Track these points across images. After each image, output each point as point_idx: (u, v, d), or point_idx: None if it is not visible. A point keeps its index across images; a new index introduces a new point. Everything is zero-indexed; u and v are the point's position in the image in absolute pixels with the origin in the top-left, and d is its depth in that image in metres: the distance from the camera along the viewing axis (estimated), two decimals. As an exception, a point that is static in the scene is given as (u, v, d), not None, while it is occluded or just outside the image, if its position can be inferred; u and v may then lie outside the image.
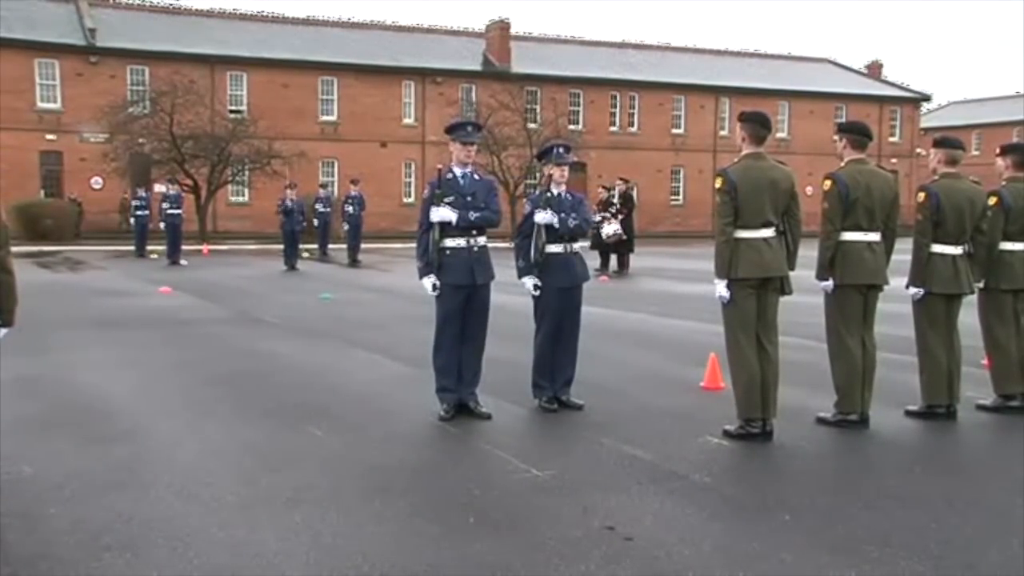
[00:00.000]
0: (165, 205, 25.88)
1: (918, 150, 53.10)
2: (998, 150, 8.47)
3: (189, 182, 35.51)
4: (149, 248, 27.72)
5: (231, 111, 41.31)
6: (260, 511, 5.35)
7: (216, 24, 46.23)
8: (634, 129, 50.81)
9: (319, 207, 27.25)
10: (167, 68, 39.09)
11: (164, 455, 6.48)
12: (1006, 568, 4.64)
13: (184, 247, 25.98)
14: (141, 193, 29.67)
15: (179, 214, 25.84)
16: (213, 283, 19.66)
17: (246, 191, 41.38)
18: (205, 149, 36.67)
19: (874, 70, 60.50)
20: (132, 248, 28.59)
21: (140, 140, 36.72)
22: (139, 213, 28.71)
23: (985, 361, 8.18)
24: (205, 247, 30.89)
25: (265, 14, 49.28)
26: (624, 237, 22.80)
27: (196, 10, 47.79)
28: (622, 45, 54.92)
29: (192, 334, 12.22)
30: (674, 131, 51.79)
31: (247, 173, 38.76)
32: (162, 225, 25.70)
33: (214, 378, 9.24)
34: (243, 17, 48.29)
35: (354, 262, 25.36)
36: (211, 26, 45.58)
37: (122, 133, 36.42)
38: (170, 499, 5.52)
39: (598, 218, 22.41)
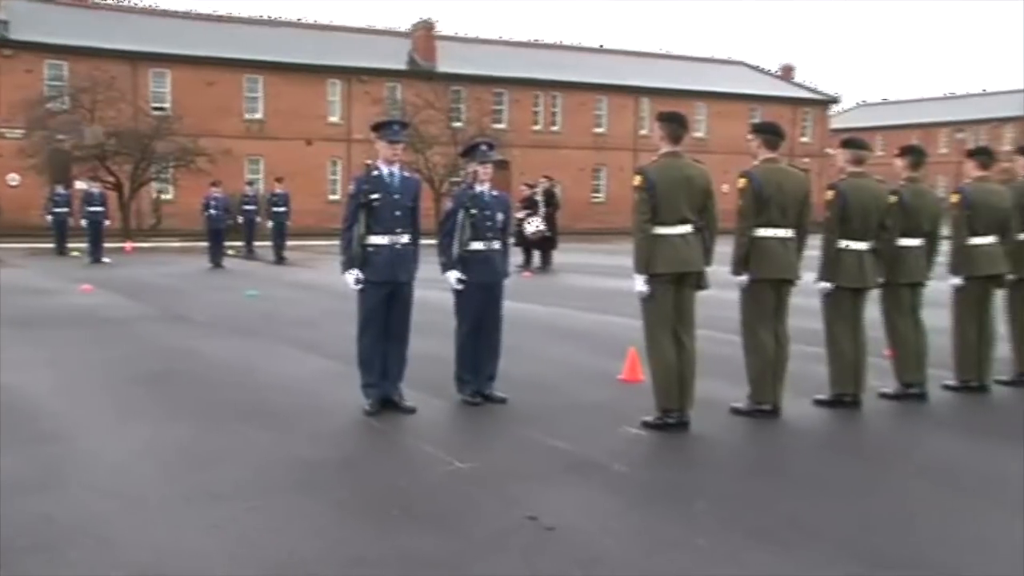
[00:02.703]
0: (87, 204, 25.29)
1: (827, 150, 54.00)
2: (897, 151, 8.72)
3: (112, 179, 34.78)
4: (70, 246, 27.09)
5: (154, 108, 40.53)
6: (185, 509, 5.29)
7: (138, 20, 45.29)
8: (557, 128, 50.99)
9: (245, 205, 26.91)
10: (87, 64, 38.18)
11: (87, 455, 6.36)
12: (909, 548, 4.77)
13: (106, 244, 25.43)
14: (60, 190, 28.95)
15: (102, 212, 25.29)
16: (137, 281, 19.29)
17: (171, 188, 40.66)
18: (127, 146, 35.93)
19: (786, 73, 61.49)
20: (52, 246, 27.93)
21: (59, 137, 35.82)
22: (57, 211, 28.02)
23: (887, 352, 8.36)
24: (128, 244, 30.30)
25: (188, 11, 48.46)
26: (547, 234, 22.89)
27: (117, 5, 46.83)
28: (545, 46, 55.05)
29: (116, 332, 11.99)
30: (595, 130, 52.09)
31: (171, 170, 38.07)
32: (83, 223, 25.13)
33: (139, 377, 9.08)
34: (165, 13, 47.40)
35: (280, 259, 25.07)
36: (132, 22, 44.66)
37: (40, 129, 35.47)
38: (93, 499, 5.42)
39: (522, 215, 22.49)
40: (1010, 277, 8.71)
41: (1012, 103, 64.03)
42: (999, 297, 8.84)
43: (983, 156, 8.88)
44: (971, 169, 8.84)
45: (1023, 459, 6.46)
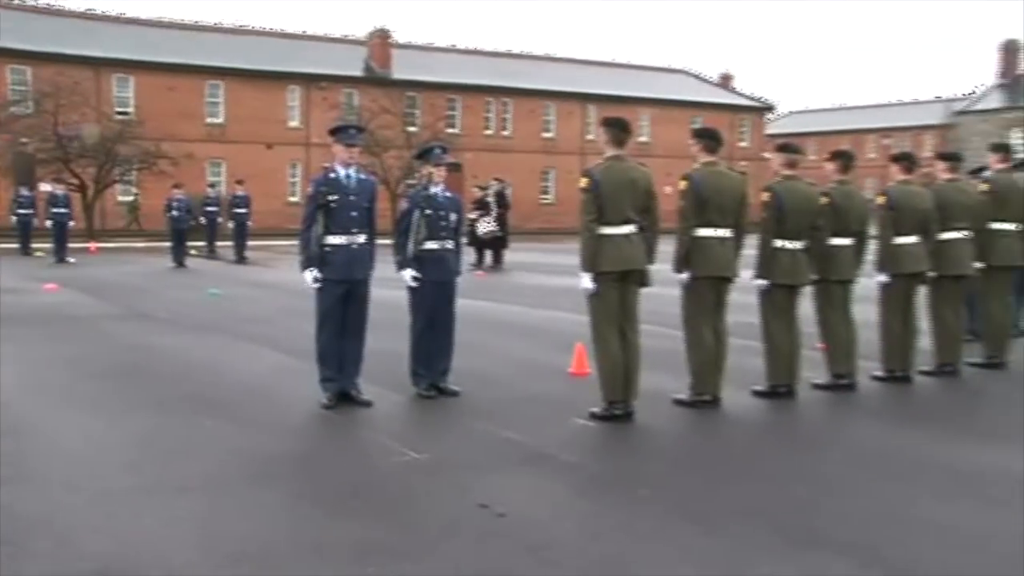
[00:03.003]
0: (52, 206, 24.88)
1: (763, 154, 54.48)
2: (827, 156, 8.82)
3: (76, 181, 34.22)
4: (35, 246, 26.61)
5: (117, 112, 39.96)
6: (147, 501, 5.21)
7: (100, 26, 44.58)
8: (507, 133, 50.99)
9: (207, 206, 26.66)
10: (50, 69, 37.51)
11: (50, 449, 6.26)
12: (841, 529, 4.83)
13: (71, 245, 25.02)
14: (24, 192, 28.45)
15: (66, 213, 24.88)
16: (101, 280, 19.00)
17: (134, 190, 40.10)
18: (91, 149, 35.39)
19: (725, 81, 61.97)
20: (17, 246, 27.41)
21: (23, 140, 35.21)
22: (21, 212, 27.53)
23: (820, 345, 8.44)
24: (92, 245, 29.83)
25: (151, 18, 47.81)
26: (499, 234, 22.90)
27: (80, 12, 46.05)
28: (497, 54, 55.00)
29: (79, 330, 11.80)
30: (544, 135, 52.15)
31: (135, 173, 37.57)
32: (48, 224, 24.72)
33: (102, 372, 8.95)
34: (128, 21, 46.73)
35: (241, 259, 24.82)
36: (95, 28, 43.94)
37: (4, 132, 34.85)
38: (56, 492, 5.33)
39: (474, 216, 22.46)
40: (931, 274, 8.85)
41: (933, 112, 65.07)
42: (922, 293, 8.96)
43: (906, 161, 9.01)
44: (896, 173, 8.96)
45: (943, 444, 6.59)
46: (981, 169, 10.86)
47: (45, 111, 35.20)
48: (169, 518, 4.94)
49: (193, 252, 24.78)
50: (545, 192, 52.20)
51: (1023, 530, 4.85)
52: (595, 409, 7.07)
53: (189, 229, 24.21)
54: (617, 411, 7.01)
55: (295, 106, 45.58)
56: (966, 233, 9.04)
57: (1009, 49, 60.42)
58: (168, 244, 23.95)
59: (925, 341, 8.96)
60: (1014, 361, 9.53)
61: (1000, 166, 10.05)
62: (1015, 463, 6.09)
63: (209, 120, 43.65)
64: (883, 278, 8.66)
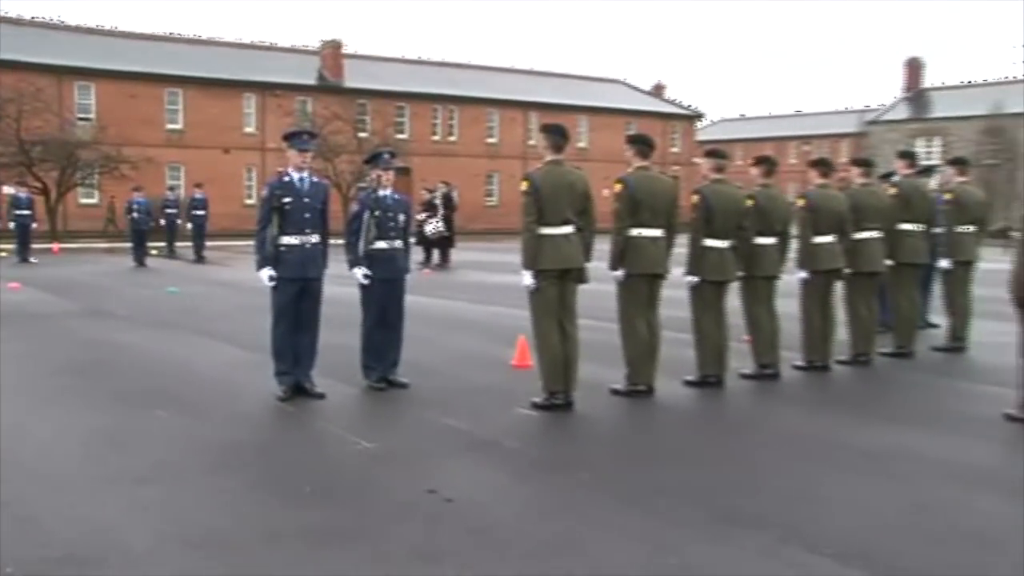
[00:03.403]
0: (15, 208, 24.32)
1: (693, 159, 54.96)
2: (752, 161, 8.92)
3: (39, 185, 33.50)
4: (-2, 247, 26.03)
5: (79, 118, 39.16)
6: (109, 490, 5.14)
7: (63, 36, 43.59)
8: (454, 139, 50.82)
9: (167, 208, 26.33)
10: (13, 76, 36.62)
11: (13, 440, 6.11)
12: (762, 506, 4.90)
13: (34, 246, 24.47)
14: (-15, 195, 27.81)
15: (29, 215, 24.34)
16: (63, 279, 18.60)
17: (96, 193, 39.35)
18: (54, 154, 34.72)
19: (658, 91, 62.33)
20: (-20, 247, 26.73)
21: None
22: (-18, 214, 26.88)
23: (746, 337, 8.53)
24: (55, 245, 29.23)
25: (112, 28, 46.87)
26: (446, 234, 22.83)
27: (43, 22, 45.02)
28: (443, 64, 54.76)
29: (42, 327, 11.55)
30: (488, 141, 52.08)
31: (96, 177, 36.91)
32: (11, 225, 24.17)
33: (64, 367, 8.78)
34: (90, 31, 45.76)
35: (199, 259, 24.47)
36: (58, 38, 42.95)
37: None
38: (19, 481, 5.22)
39: (422, 217, 22.38)
40: (847, 271, 9.00)
41: (848, 121, 65.97)
42: (838, 288, 9.11)
43: (824, 166, 9.15)
44: (814, 177, 9.10)
45: (856, 427, 6.70)
46: (890, 174, 11.06)
47: (7, 116, 34.38)
48: (130, 506, 4.87)
49: (153, 252, 24.42)
50: (489, 195, 52.12)
51: (922, 502, 4.99)
52: (536, 399, 7.09)
53: (149, 230, 23.90)
54: (557, 400, 7.03)
55: (251, 113, 45.01)
56: (877, 233, 9.22)
57: (913, 66, 61.58)
58: (129, 245, 23.61)
59: (842, 333, 9.12)
60: (920, 351, 9.75)
61: (906, 172, 10.25)
62: (918, 443, 6.24)
63: (169, 126, 42.98)
64: (803, 274, 8.79)
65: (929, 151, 50.53)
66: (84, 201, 39.84)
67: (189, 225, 25.40)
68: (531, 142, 49.99)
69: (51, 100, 36.82)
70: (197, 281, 18.76)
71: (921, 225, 9.80)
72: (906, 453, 6.01)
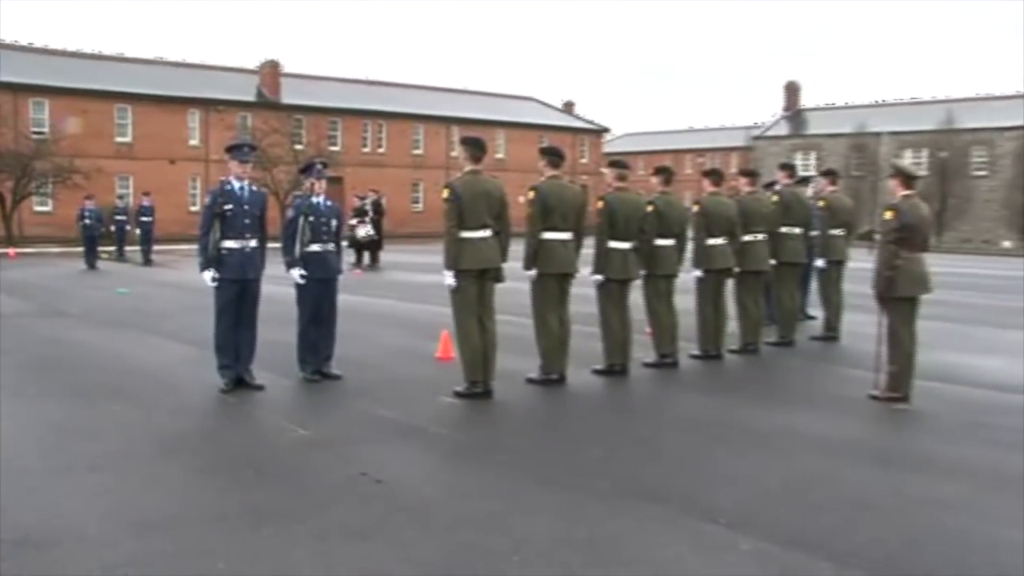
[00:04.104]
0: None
1: (600, 169, 55.41)
2: (652, 170, 9.01)
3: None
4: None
5: (34, 132, 37.87)
6: (62, 478, 4.98)
7: (18, 56, 42.01)
8: (382, 150, 50.37)
9: (116, 215, 25.69)
10: (-30, 94, 35.31)
11: (-35, 434, 5.87)
12: (664, 482, 4.96)
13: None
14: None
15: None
16: (18, 281, 17.87)
17: (50, 201, 38.09)
18: (9, 165, 33.68)
19: (568, 107, 62.70)
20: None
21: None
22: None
23: (648, 330, 8.62)
24: (11, 251, 28.17)
25: (65, 49, 45.43)
26: (375, 237, 22.66)
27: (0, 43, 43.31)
28: (373, 83, 54.23)
29: (-8, 327, 11.12)
30: (414, 152, 51.74)
31: (50, 186, 35.80)
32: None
33: (18, 364, 8.43)
34: (44, 51, 44.29)
35: (147, 262, 23.86)
36: (13, 57, 41.34)
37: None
38: (-28, 473, 5.02)
39: (354, 222, 22.16)
40: (736, 270, 9.16)
41: (737, 136, 67.27)
42: (729, 286, 9.26)
43: (715, 176, 9.30)
44: (707, 186, 9.24)
45: (746, 409, 6.83)
46: (773, 183, 11.29)
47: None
48: (82, 493, 4.73)
49: (104, 256, 23.83)
50: (415, 201, 51.78)
51: (802, 473, 5.10)
52: (459, 388, 7.06)
53: (100, 236, 23.43)
54: (478, 389, 7.02)
55: (195, 127, 44.09)
56: (762, 236, 9.39)
57: (791, 88, 63.21)
58: (81, 249, 23.06)
59: (732, 325, 9.28)
60: (800, 340, 9.98)
61: (787, 181, 10.50)
62: (799, 422, 6.39)
63: (118, 139, 41.83)
64: (698, 273, 8.91)
65: (806, 163, 51.87)
66: (39, 209, 38.58)
67: (138, 231, 24.96)
68: (453, 153, 49.84)
69: (7, 115, 35.80)
70: (145, 283, 18.24)
71: (800, 229, 10.04)
72: (789, 431, 6.15)
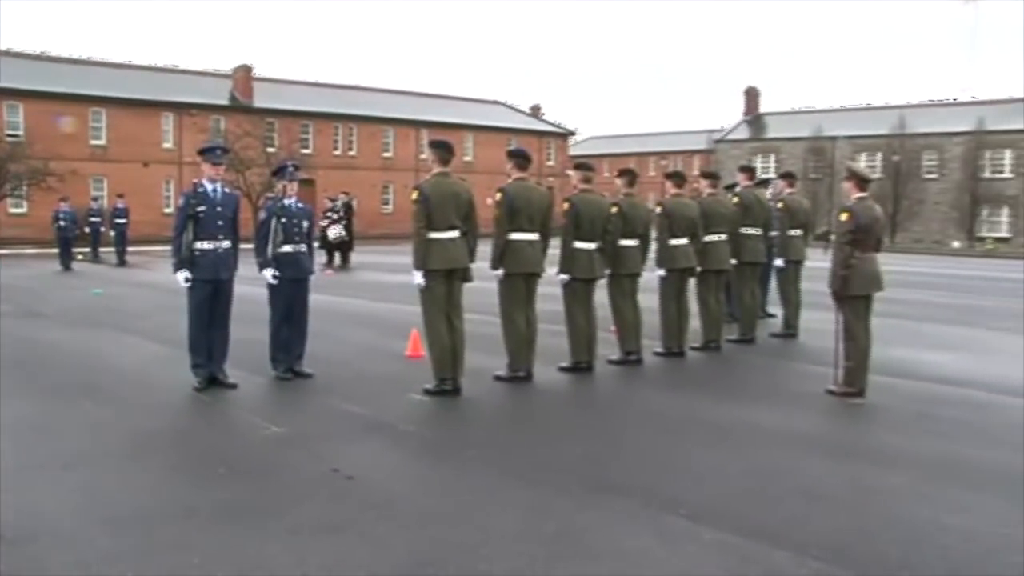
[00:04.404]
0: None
1: (567, 171, 55.43)
2: (617, 173, 9.05)
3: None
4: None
5: (8, 135, 37.19)
6: (37, 476, 4.92)
7: (-7, 61, 41.42)
8: (353, 153, 50.12)
9: (91, 217, 25.36)
10: (-56, 98, 34.67)
11: (-64, 434, 5.77)
12: (629, 476, 4.99)
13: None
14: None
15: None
16: (-10, 282, 17.60)
17: (24, 203, 37.47)
18: None
19: (535, 111, 62.74)
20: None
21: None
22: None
23: (612, 328, 8.64)
24: (-13, 252, 27.73)
25: (39, 52, 44.72)
26: (346, 238, 22.55)
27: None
28: (344, 87, 53.96)
29: (-37, 327, 10.91)
30: (384, 155, 51.54)
31: (25, 188, 35.22)
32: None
33: (-14, 365, 8.31)
34: (19, 55, 43.52)
35: (122, 263, 23.56)
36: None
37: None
38: (-57, 472, 4.93)
39: (325, 223, 22.03)
40: (698, 269, 9.22)
41: (699, 139, 67.63)
42: (691, 284, 9.32)
43: (677, 178, 9.36)
44: (670, 188, 9.30)
45: (709, 404, 6.89)
46: (733, 185, 11.38)
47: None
48: (57, 490, 4.68)
49: (79, 257, 23.54)
50: (386, 203, 51.55)
51: (762, 466, 5.16)
52: (428, 385, 7.05)
53: (75, 237, 23.11)
54: (446, 387, 7.01)
55: (169, 130, 43.62)
56: (723, 236, 9.47)
57: (751, 94, 63.73)
58: (56, 251, 22.72)
59: (695, 323, 9.34)
60: (760, 337, 10.08)
61: (747, 183, 10.59)
62: (759, 416, 6.45)
63: (92, 142, 41.26)
64: (661, 272, 8.96)
65: (766, 166, 52.32)
66: (13, 211, 37.96)
67: (112, 232, 24.66)
68: (422, 156, 49.71)
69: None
70: (120, 283, 18.00)
71: (759, 229, 10.13)
72: (749, 425, 6.21)
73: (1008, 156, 48.78)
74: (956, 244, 47.05)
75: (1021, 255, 39.39)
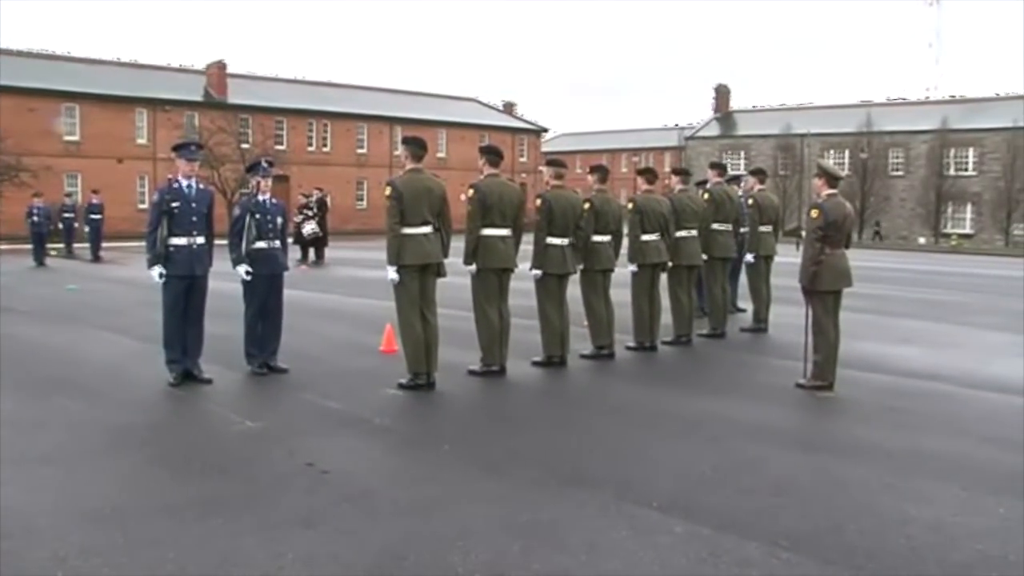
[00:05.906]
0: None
1: (539, 168, 55.43)
2: (589, 169, 9.07)
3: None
4: None
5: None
6: (12, 471, 4.85)
7: (-36, 55, 40.74)
8: (327, 149, 49.83)
9: (64, 213, 25.04)
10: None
11: (-95, 431, 5.67)
12: (601, 468, 5.02)
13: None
14: None
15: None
16: (-41, 278, 17.32)
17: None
18: None
19: (509, 109, 62.69)
20: None
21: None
22: None
23: (585, 323, 8.64)
24: (-39, 249, 27.27)
25: (12, 48, 44.00)
26: (320, 234, 22.41)
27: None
28: (317, 83, 53.59)
29: (-69, 323, 10.74)
30: (358, 151, 51.27)
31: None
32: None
33: (-46, 361, 8.18)
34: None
35: (96, 258, 23.28)
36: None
37: None
38: (-88, 469, 4.86)
39: (299, 219, 21.89)
40: (670, 265, 9.27)
41: (670, 136, 67.97)
42: (662, 279, 9.36)
43: (649, 174, 9.39)
44: (641, 184, 9.33)
45: (680, 397, 6.94)
46: (704, 182, 11.44)
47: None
48: (32, 486, 4.63)
49: (53, 253, 23.25)
50: (360, 199, 51.32)
51: (732, 459, 5.20)
52: (402, 380, 7.04)
53: (48, 233, 22.82)
54: (420, 381, 7.01)
55: (143, 126, 43.13)
56: (694, 232, 9.52)
57: (721, 91, 64.11)
58: (29, 246, 22.40)
59: (666, 318, 9.39)
60: (731, 332, 10.15)
61: (717, 180, 10.65)
62: (730, 410, 6.51)
63: (66, 138, 40.73)
64: (633, 268, 9.00)
65: (736, 163, 52.61)
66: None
67: (86, 228, 24.39)
68: (396, 152, 49.54)
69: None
70: (94, 279, 17.78)
71: (730, 225, 10.20)
72: (720, 418, 6.26)
73: (972, 154, 49.51)
74: (922, 240, 47.65)
75: (985, 251, 40.00)
